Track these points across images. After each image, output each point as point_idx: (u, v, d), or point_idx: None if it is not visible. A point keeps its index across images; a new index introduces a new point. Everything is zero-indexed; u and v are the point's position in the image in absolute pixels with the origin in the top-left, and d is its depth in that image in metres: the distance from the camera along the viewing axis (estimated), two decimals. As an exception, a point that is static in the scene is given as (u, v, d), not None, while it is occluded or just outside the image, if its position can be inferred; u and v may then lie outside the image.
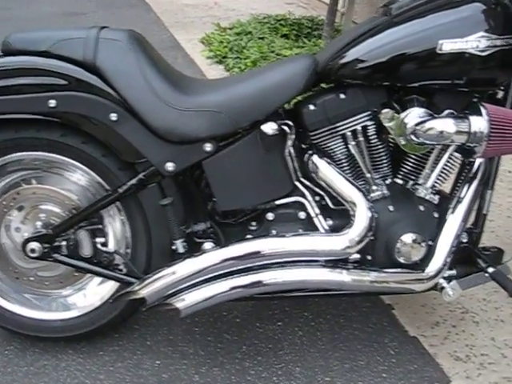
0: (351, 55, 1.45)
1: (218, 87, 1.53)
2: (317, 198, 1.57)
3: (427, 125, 1.40)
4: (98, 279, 1.67)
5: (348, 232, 1.48)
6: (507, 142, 1.39)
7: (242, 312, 1.86)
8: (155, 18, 5.10)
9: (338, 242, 1.48)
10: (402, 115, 1.43)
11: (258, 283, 1.49)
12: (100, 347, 1.71)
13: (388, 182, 1.57)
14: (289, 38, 3.99)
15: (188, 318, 1.75)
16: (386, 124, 1.45)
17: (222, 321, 1.82)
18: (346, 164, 1.55)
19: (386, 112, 1.44)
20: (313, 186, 1.56)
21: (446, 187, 1.63)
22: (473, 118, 1.39)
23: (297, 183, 1.56)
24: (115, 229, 1.63)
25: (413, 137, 1.41)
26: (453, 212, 1.54)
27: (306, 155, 1.54)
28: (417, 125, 1.41)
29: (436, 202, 1.56)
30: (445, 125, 1.39)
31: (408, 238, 1.50)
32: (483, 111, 1.38)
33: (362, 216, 1.48)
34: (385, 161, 1.55)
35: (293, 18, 4.42)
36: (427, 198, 1.55)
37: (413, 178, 1.56)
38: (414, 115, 1.42)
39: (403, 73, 1.44)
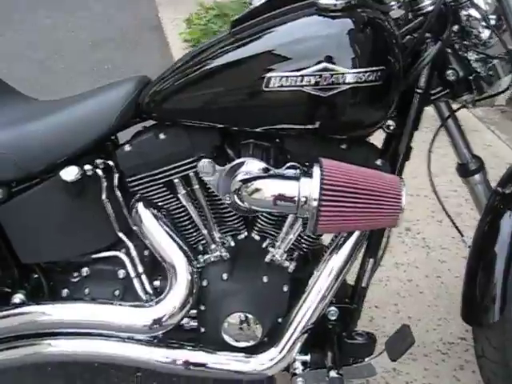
0: (171, 85, 1.14)
1: (11, 122, 1.24)
2: (146, 253, 1.29)
3: (252, 185, 1.09)
4: None
5: (158, 304, 1.21)
6: (347, 216, 1.05)
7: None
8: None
9: (143, 317, 1.21)
10: (226, 168, 1.13)
11: (42, 352, 1.26)
12: None
13: (237, 239, 1.27)
14: None
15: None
16: (205, 178, 1.15)
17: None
18: (177, 217, 1.26)
19: (204, 163, 1.14)
20: (143, 239, 1.27)
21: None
22: (303, 182, 1.06)
23: (121, 235, 1.28)
24: None
25: (236, 198, 1.11)
26: (314, 283, 1.22)
27: (132, 202, 1.26)
28: (241, 183, 1.10)
29: (291, 270, 1.25)
30: (268, 188, 1.08)
31: (236, 318, 1.21)
32: (316, 173, 1.05)
33: (178, 284, 1.21)
34: (231, 213, 1.24)
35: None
36: (280, 264, 1.24)
37: (269, 236, 1.26)
38: (239, 170, 1.11)
39: (228, 112, 1.12)
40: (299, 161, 1.13)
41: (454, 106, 1.31)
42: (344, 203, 1.04)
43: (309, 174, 1.06)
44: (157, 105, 1.16)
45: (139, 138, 1.20)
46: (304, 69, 1.02)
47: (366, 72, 1.02)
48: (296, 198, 1.06)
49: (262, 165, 1.12)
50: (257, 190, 1.09)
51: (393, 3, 1.24)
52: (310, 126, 1.09)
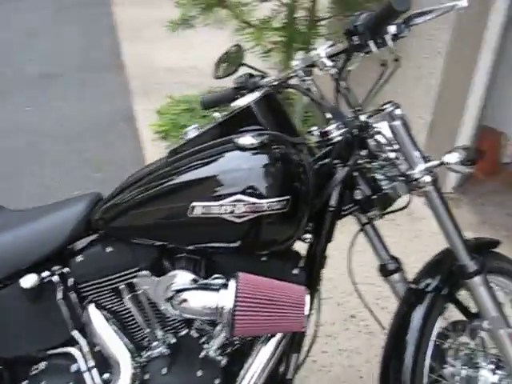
0: (116, 206, 1.35)
1: None
2: (97, 349, 1.44)
3: (182, 295, 1.27)
4: None
5: None
6: (258, 323, 1.23)
7: None
8: (124, 82, 5.08)
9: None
10: (161, 280, 1.30)
11: None
12: None
13: (177, 336, 1.43)
14: None
15: None
16: (143, 287, 1.33)
17: None
18: (123, 317, 1.42)
19: (142, 275, 1.32)
20: (92, 337, 1.43)
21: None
22: (221, 293, 1.24)
23: (74, 333, 1.43)
24: None
25: (169, 306, 1.28)
26: (244, 375, 1.38)
27: (84, 304, 1.42)
28: (173, 293, 1.28)
29: (223, 365, 1.41)
30: (194, 298, 1.26)
31: None
32: (231, 286, 1.23)
33: (122, 378, 1.35)
34: None
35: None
36: (213, 359, 1.40)
37: (206, 333, 1.42)
38: (172, 281, 1.29)
39: (163, 232, 1.32)
40: (225, 272, 1.31)
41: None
42: (255, 312, 1.21)
43: (227, 286, 1.24)
44: (105, 222, 1.35)
45: (90, 250, 1.38)
46: (222, 199, 1.22)
47: (273, 202, 1.22)
48: (215, 307, 1.23)
49: (192, 276, 1.30)
50: (185, 299, 1.27)
51: (314, 130, 1.47)
52: (231, 245, 1.28)
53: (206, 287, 1.28)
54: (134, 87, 4.96)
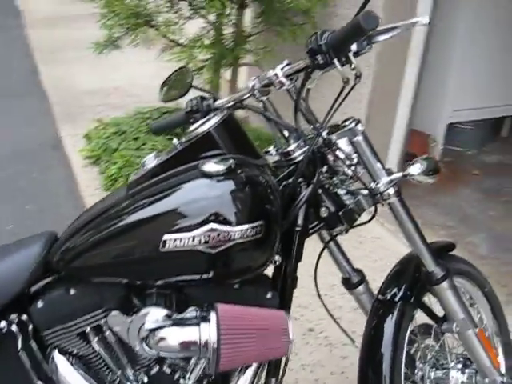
0: (77, 245, 1.26)
1: None
2: None
3: (158, 333, 1.21)
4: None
5: None
6: (243, 354, 1.19)
7: None
8: (47, 108, 4.88)
9: None
10: (132, 319, 1.24)
11: None
12: None
13: (149, 374, 1.35)
14: (171, 134, 3.77)
15: None
16: (115, 329, 1.26)
17: None
18: (92, 361, 1.34)
19: (112, 316, 1.25)
20: None
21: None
22: (203, 327, 1.19)
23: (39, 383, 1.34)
24: None
25: (144, 346, 1.22)
26: None
27: (48, 351, 1.33)
28: (147, 332, 1.22)
29: None
30: (172, 335, 1.20)
31: None
32: (212, 318, 1.19)
33: None
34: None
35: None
36: None
37: (180, 369, 1.36)
38: (144, 319, 1.23)
39: (131, 269, 1.25)
40: (199, 304, 1.26)
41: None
42: (239, 344, 1.18)
43: (207, 319, 1.19)
44: (66, 263, 1.27)
45: (51, 294, 1.29)
46: (195, 229, 1.17)
47: (247, 228, 1.19)
48: (197, 343, 1.18)
49: (165, 312, 1.24)
50: (162, 338, 1.21)
51: (271, 150, 1.46)
52: (204, 276, 1.23)
53: (182, 322, 1.22)
54: (56, 112, 4.78)
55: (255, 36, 3.31)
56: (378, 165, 1.36)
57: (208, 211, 1.18)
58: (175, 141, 1.36)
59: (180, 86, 1.53)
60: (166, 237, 1.18)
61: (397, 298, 1.49)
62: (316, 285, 1.49)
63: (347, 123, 1.35)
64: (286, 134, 1.39)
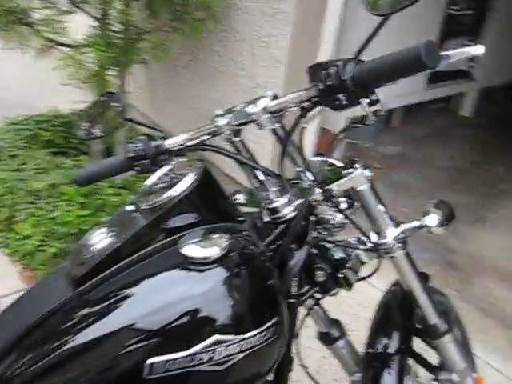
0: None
1: None
2: None
3: None
4: None
5: None
6: None
7: None
8: None
9: None
10: None
11: None
12: None
13: None
14: (54, 147, 3.26)
15: None
16: None
17: None
18: None
19: None
20: None
21: None
22: None
23: None
24: None
25: None
26: None
27: None
28: None
29: None
30: None
31: None
32: None
33: None
34: None
35: (66, 115, 3.48)
36: None
37: None
38: None
39: None
40: None
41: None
42: None
43: None
44: None
45: None
46: (193, 346, 0.85)
47: (261, 331, 0.89)
48: None
49: None
50: None
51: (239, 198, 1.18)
52: None
53: None
54: None
55: (148, 33, 2.91)
56: (385, 216, 1.12)
57: (207, 321, 0.87)
58: (128, 207, 1.02)
59: (108, 120, 1.18)
60: (152, 360, 0.84)
61: (390, 350, 1.31)
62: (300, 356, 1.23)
63: (351, 170, 1.09)
64: (262, 177, 1.11)
